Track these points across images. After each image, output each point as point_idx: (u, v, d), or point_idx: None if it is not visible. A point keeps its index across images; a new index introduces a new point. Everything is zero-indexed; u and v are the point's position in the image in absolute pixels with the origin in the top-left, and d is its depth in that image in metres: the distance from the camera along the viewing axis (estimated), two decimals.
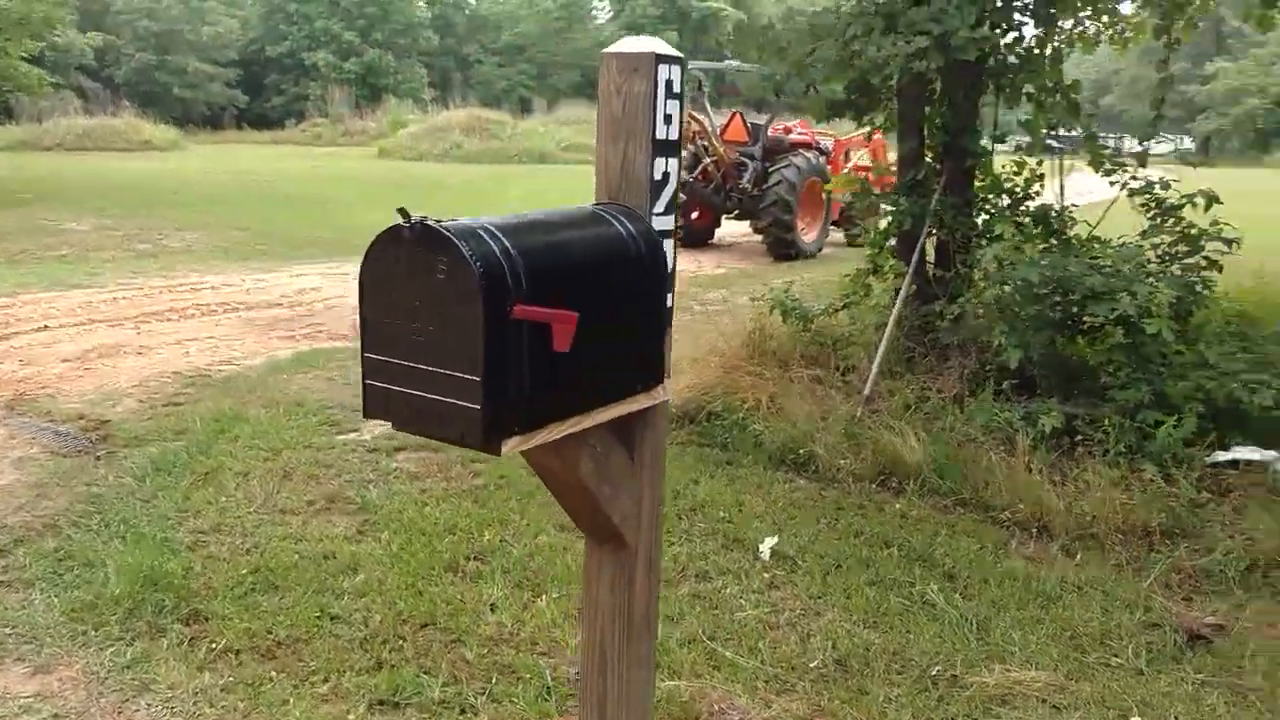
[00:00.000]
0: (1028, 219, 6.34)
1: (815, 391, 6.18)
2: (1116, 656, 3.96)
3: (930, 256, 6.66)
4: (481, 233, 2.04)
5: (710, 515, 5.11)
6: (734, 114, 14.90)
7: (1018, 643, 4.00)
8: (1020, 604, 4.32)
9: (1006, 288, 5.76)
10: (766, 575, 4.51)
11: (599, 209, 2.45)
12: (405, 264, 2.02)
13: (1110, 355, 5.56)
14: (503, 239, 2.07)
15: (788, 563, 4.63)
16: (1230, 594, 4.47)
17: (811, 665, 3.80)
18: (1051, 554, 4.82)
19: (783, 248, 13.72)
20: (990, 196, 6.43)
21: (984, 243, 6.27)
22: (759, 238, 15.27)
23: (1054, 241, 6.18)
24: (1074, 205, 6.49)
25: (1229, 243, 5.86)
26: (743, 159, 14.14)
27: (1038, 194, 6.47)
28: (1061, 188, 6.52)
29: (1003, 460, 5.31)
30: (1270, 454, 5.26)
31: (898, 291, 6.45)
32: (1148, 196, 6.15)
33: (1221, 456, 5.29)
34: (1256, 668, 3.90)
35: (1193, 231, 5.87)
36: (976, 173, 6.53)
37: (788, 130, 15.11)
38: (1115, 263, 5.65)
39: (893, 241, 6.75)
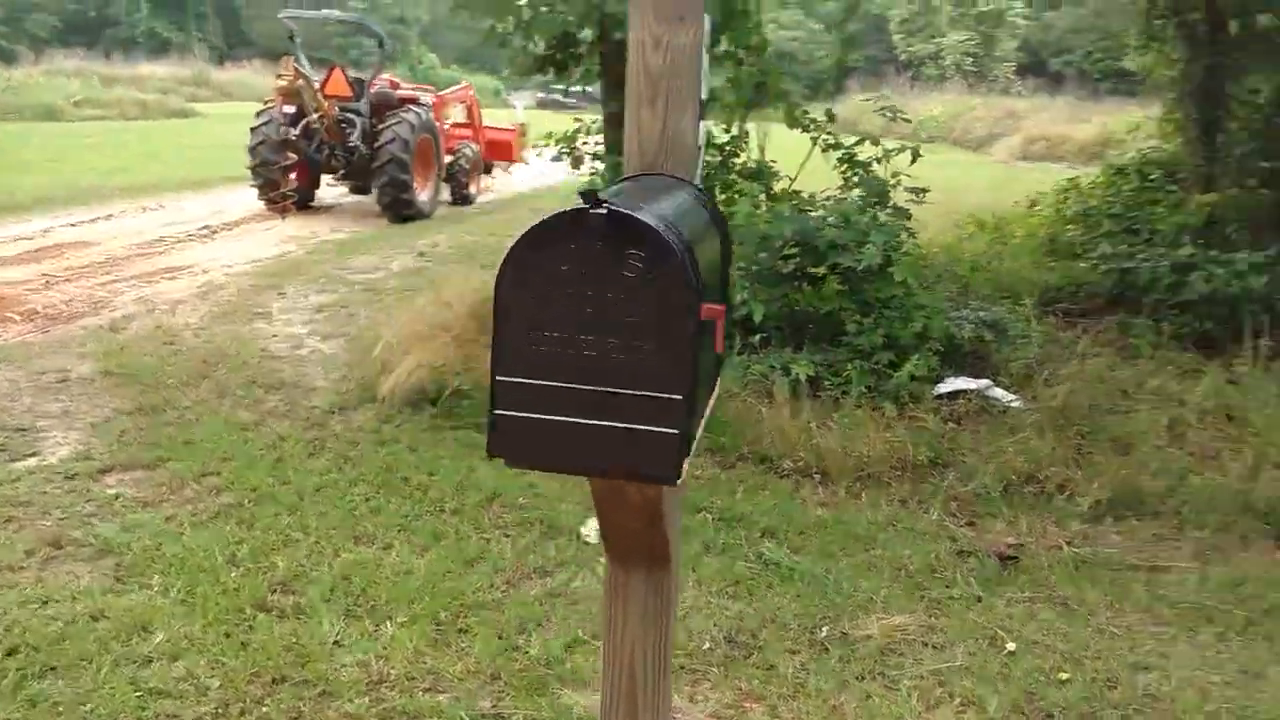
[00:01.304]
0: (735, 175, 6.51)
1: None
2: (951, 588, 4.22)
3: None
4: (660, 219, 1.65)
5: (510, 503, 4.76)
6: (333, 67, 13.89)
7: (868, 590, 4.13)
8: (846, 552, 4.47)
9: (742, 245, 5.88)
10: (602, 561, 4.26)
11: (682, 184, 2.10)
12: (579, 260, 1.58)
13: (842, 304, 5.88)
14: (676, 225, 1.70)
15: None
16: (1001, 513, 4.93)
17: (705, 649, 3.67)
18: (840, 498, 5.04)
19: (400, 208, 13.08)
20: (705, 154, 6.50)
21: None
22: (358, 198, 14.51)
23: (764, 196, 6.40)
24: (774, 161, 6.76)
25: (917, 192, 6.41)
26: (348, 116, 13.26)
27: (744, 149, 6.66)
28: (761, 147, 6.75)
29: (769, 411, 5.45)
30: (982, 382, 5.85)
31: None
32: (842, 152, 6.54)
33: (944, 389, 5.80)
34: (1061, 578, 4.34)
35: (888, 186, 6.34)
36: None
37: (394, 85, 14.39)
38: (836, 216, 5.96)
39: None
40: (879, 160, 6.40)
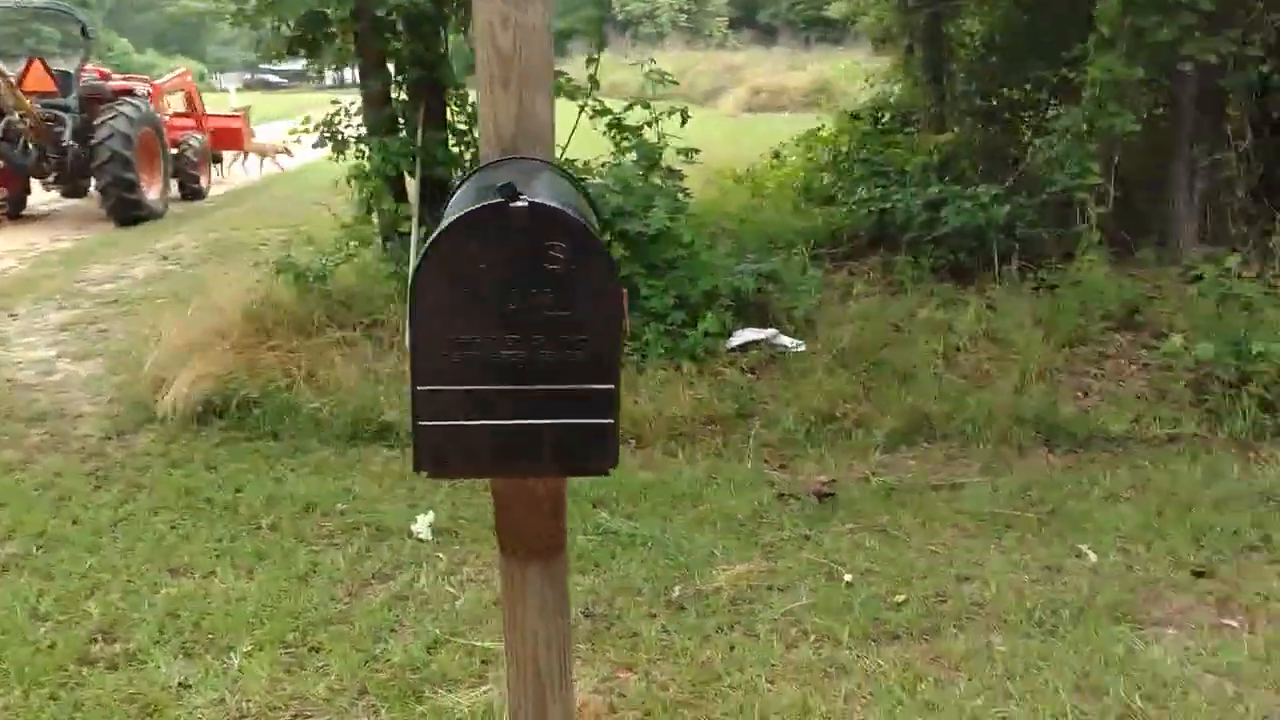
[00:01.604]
0: None
1: (352, 355, 5.74)
2: (781, 530, 4.41)
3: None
4: (569, 208, 1.63)
5: (328, 511, 4.57)
6: (31, 60, 12.63)
7: (706, 545, 4.25)
8: (677, 510, 4.58)
9: None
10: (444, 556, 4.19)
11: (545, 166, 2.06)
12: (499, 257, 1.54)
13: (631, 269, 5.96)
14: (588, 212, 1.68)
15: (452, 537, 4.35)
16: (808, 454, 5.18)
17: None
18: (659, 459, 5.15)
19: (127, 210, 12.11)
20: (475, 129, 6.39)
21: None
22: (74, 202, 13.39)
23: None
24: None
25: (687, 153, 6.56)
26: (55, 113, 12.11)
27: None
28: None
29: None
30: (769, 331, 6.09)
31: (398, 234, 6.20)
32: (610, 118, 6.59)
33: (735, 341, 6.01)
34: (875, 507, 4.62)
35: (659, 149, 6.45)
36: (451, 105, 6.45)
37: (103, 76, 13.26)
38: (615, 183, 6.02)
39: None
40: (649, 124, 6.50)
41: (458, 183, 2.12)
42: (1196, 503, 4.65)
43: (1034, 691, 3.29)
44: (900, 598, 3.87)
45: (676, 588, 3.92)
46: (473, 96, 6.56)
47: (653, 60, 6.89)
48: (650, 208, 5.71)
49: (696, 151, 6.53)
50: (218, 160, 16.21)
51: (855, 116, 10.49)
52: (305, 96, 41.45)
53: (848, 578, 4.01)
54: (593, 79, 6.67)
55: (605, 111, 6.57)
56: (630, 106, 6.59)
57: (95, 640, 3.56)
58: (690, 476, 4.90)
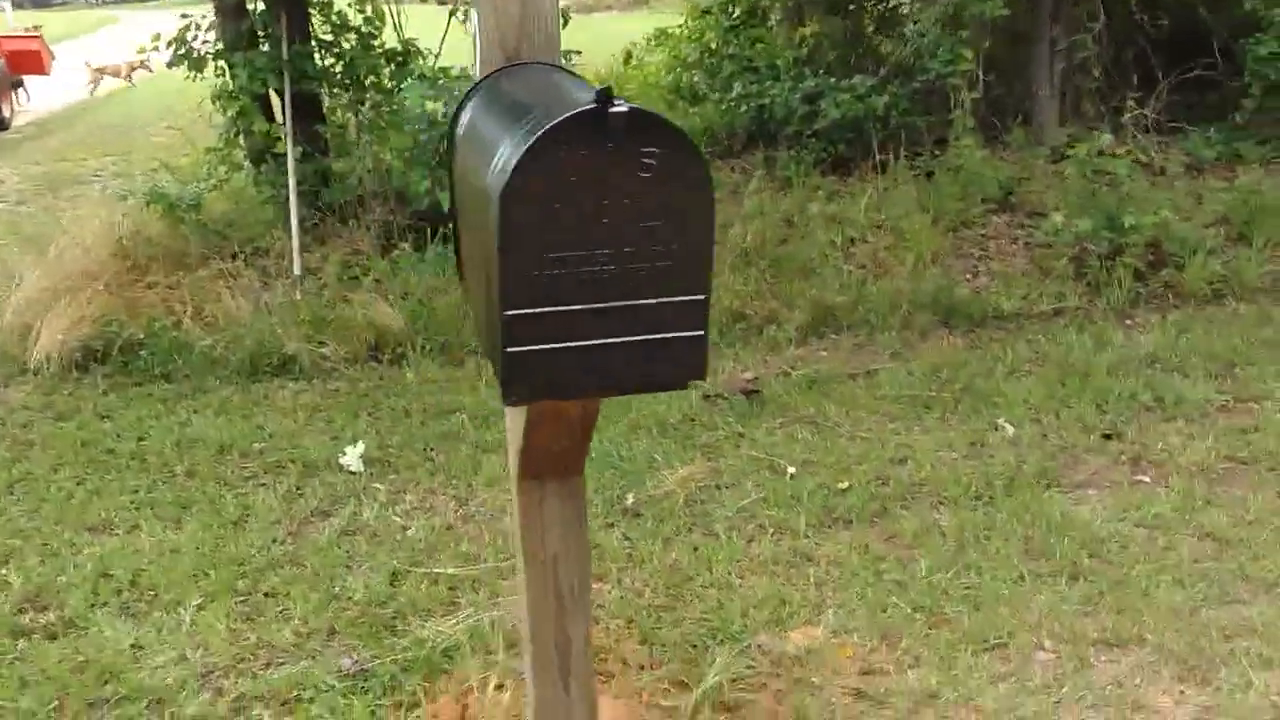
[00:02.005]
0: (381, 58, 6.12)
1: (238, 287, 5.43)
2: (716, 430, 4.45)
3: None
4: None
5: (247, 451, 4.36)
6: None
7: (647, 451, 4.25)
8: (609, 420, 4.52)
9: (413, 129, 5.59)
10: (382, 486, 4.06)
11: (562, 71, 1.95)
12: (591, 168, 1.45)
13: None
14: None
15: (385, 467, 4.21)
16: (724, 354, 5.22)
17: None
18: None
19: None
20: (343, 40, 6.04)
21: (350, 87, 5.93)
22: None
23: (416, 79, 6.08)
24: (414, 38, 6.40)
25: (567, 55, 6.36)
26: None
27: (379, 29, 6.23)
28: (398, 26, 6.34)
29: None
30: None
31: (271, 156, 5.85)
32: None
33: None
34: (800, 400, 4.70)
35: None
36: (315, 13, 6.06)
37: None
38: None
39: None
40: None
41: (466, 94, 1.98)
42: (1092, 371, 4.91)
43: (989, 560, 3.44)
44: (844, 485, 3.97)
45: (629, 496, 3.91)
46: (339, 4, 6.20)
47: None
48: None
49: (578, 53, 6.34)
50: (18, 85, 14.91)
51: (706, 12, 10.40)
52: (86, 14, 38.51)
53: (791, 470, 4.09)
54: None
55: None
56: None
57: (23, 610, 3.32)
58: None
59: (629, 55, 11.01)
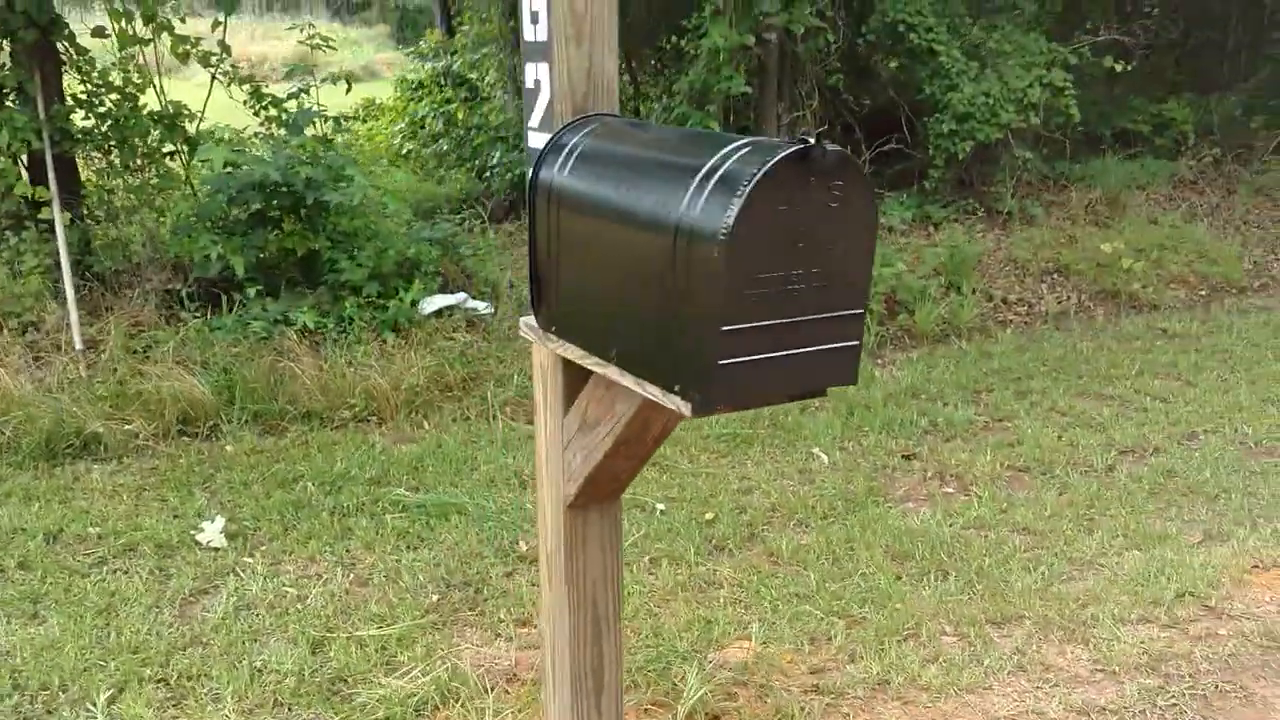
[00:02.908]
0: (149, 120, 5.79)
1: (9, 365, 4.93)
2: None
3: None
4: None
5: (82, 535, 4.00)
6: None
7: (515, 500, 4.34)
8: (462, 475, 4.60)
9: (207, 192, 5.35)
10: (255, 558, 3.88)
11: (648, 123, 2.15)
12: (798, 200, 1.70)
13: (319, 243, 5.70)
14: None
15: (247, 539, 4.02)
16: None
17: (434, 600, 3.63)
18: (410, 432, 5.08)
19: None
20: (96, 98, 5.64)
21: (117, 149, 5.58)
22: None
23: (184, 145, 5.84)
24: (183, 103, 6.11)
25: (339, 120, 6.35)
26: None
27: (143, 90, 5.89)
28: (159, 87, 6.01)
29: (295, 366, 5.19)
30: (459, 296, 6.16)
31: (34, 222, 5.38)
32: (250, 86, 6.18)
33: (428, 308, 6.00)
34: None
35: (315, 118, 6.17)
36: (68, 71, 5.64)
37: None
38: (287, 154, 5.70)
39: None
40: (299, 94, 6.17)
41: (551, 147, 2.13)
42: (872, 404, 5.55)
43: (864, 567, 3.86)
44: (709, 515, 4.27)
45: (520, 543, 4.00)
46: (102, 60, 5.82)
47: (311, 25, 6.51)
48: (341, 178, 5.49)
49: (351, 118, 6.33)
50: None
51: (420, 85, 10.61)
52: None
53: (660, 507, 4.34)
54: (223, 44, 6.17)
55: (249, 79, 6.13)
56: (288, 73, 6.20)
57: None
58: (453, 443, 4.90)
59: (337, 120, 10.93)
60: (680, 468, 4.76)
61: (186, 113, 5.91)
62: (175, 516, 4.16)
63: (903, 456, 4.94)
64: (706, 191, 1.70)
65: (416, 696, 3.01)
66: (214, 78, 6.15)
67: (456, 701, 2.97)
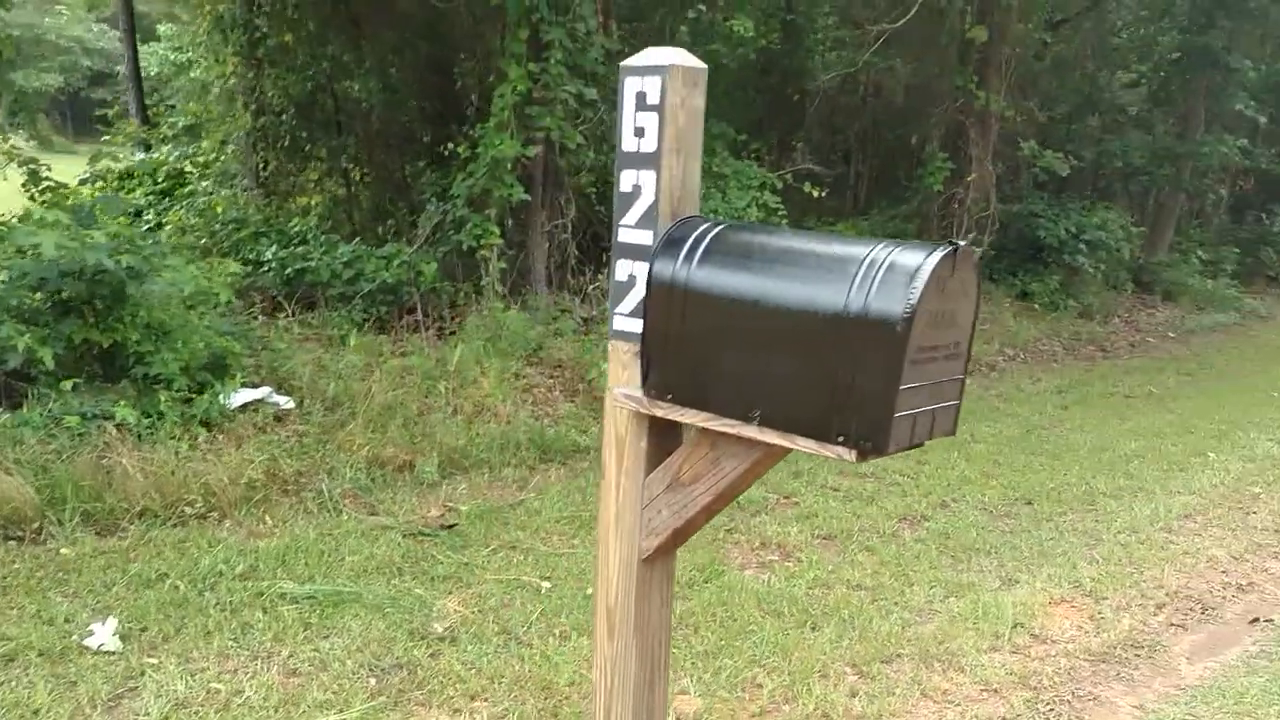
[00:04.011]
0: None
1: None
2: (444, 561, 4.72)
3: None
4: None
5: None
6: None
7: (401, 588, 4.41)
8: (332, 567, 4.58)
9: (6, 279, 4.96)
10: (158, 659, 3.70)
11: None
12: (946, 287, 2.21)
13: (126, 334, 5.43)
14: None
15: (137, 641, 3.81)
16: (383, 497, 5.43)
17: (365, 681, 3.66)
18: (256, 527, 4.94)
19: None
20: None
21: None
22: None
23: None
24: None
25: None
26: None
27: None
28: None
29: (119, 462, 4.90)
30: (264, 389, 6.04)
31: None
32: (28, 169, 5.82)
33: (237, 401, 5.85)
34: (494, 527, 5.16)
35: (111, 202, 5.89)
36: None
37: None
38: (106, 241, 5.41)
39: None
40: (91, 180, 5.86)
41: (661, 242, 2.48)
42: None
43: (752, 624, 4.30)
44: (590, 590, 4.55)
45: (435, 624, 4.08)
46: None
47: None
48: (165, 268, 5.29)
49: (142, 209, 6.08)
50: None
51: (129, 175, 10.14)
52: None
53: (545, 584, 4.57)
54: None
55: (28, 160, 5.75)
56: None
57: None
58: (311, 535, 4.84)
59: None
60: (539, 549, 4.99)
61: None
62: (46, 623, 3.85)
63: (726, 530, 5.47)
64: (876, 281, 2.15)
65: None
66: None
67: None
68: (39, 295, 5.20)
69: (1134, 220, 15.51)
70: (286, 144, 8.74)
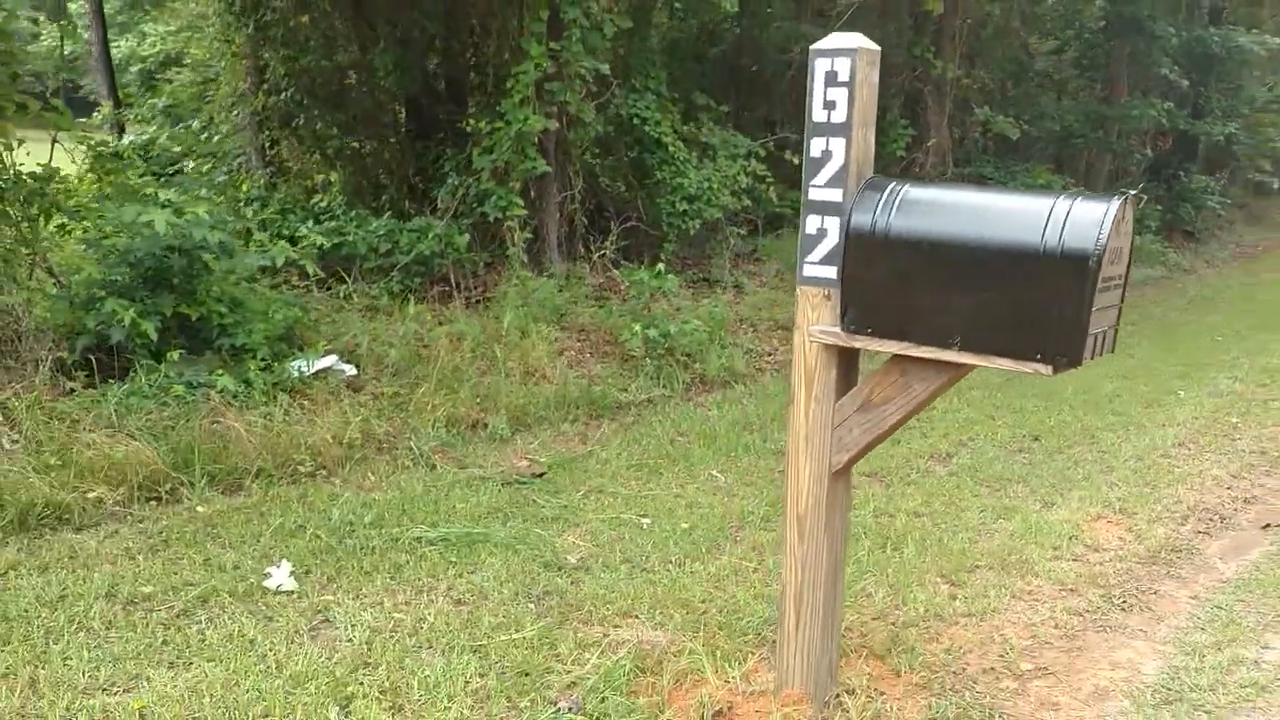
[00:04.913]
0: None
1: None
2: (548, 505, 5.13)
3: None
4: None
5: (149, 595, 3.93)
6: None
7: (540, 531, 4.82)
8: (450, 510, 4.95)
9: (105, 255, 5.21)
10: (334, 597, 4.06)
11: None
12: (1119, 229, 2.71)
13: (211, 308, 5.71)
14: None
15: (307, 581, 4.17)
16: (469, 451, 5.81)
17: (527, 609, 4.08)
18: (361, 481, 5.29)
19: None
20: None
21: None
22: None
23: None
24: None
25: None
26: None
27: None
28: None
29: (234, 426, 5.21)
30: (331, 358, 6.35)
31: None
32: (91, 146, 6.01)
33: (310, 369, 6.16)
34: (570, 479, 5.58)
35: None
36: None
37: None
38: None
39: None
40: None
41: (855, 198, 2.94)
42: (718, 434, 6.54)
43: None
44: (686, 525, 5.00)
45: (570, 557, 4.50)
46: None
47: None
48: (259, 240, 5.58)
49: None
50: None
51: (118, 155, 10.21)
52: None
53: (646, 521, 5.01)
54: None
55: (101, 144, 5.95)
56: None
57: None
58: (415, 489, 5.21)
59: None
60: (622, 492, 5.43)
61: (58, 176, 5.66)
62: (219, 570, 4.18)
63: (779, 472, 5.96)
64: (1065, 222, 2.63)
65: (621, 668, 3.51)
66: (54, 140, 5.91)
67: (672, 660, 3.52)
68: (131, 271, 5.43)
69: (1072, 181, 16.38)
70: (301, 122, 8.93)
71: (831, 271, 3.05)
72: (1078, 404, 7.77)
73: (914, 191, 2.95)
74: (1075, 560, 4.71)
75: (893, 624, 4.01)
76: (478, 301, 7.85)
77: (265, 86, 8.91)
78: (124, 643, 3.58)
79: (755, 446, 6.34)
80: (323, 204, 8.25)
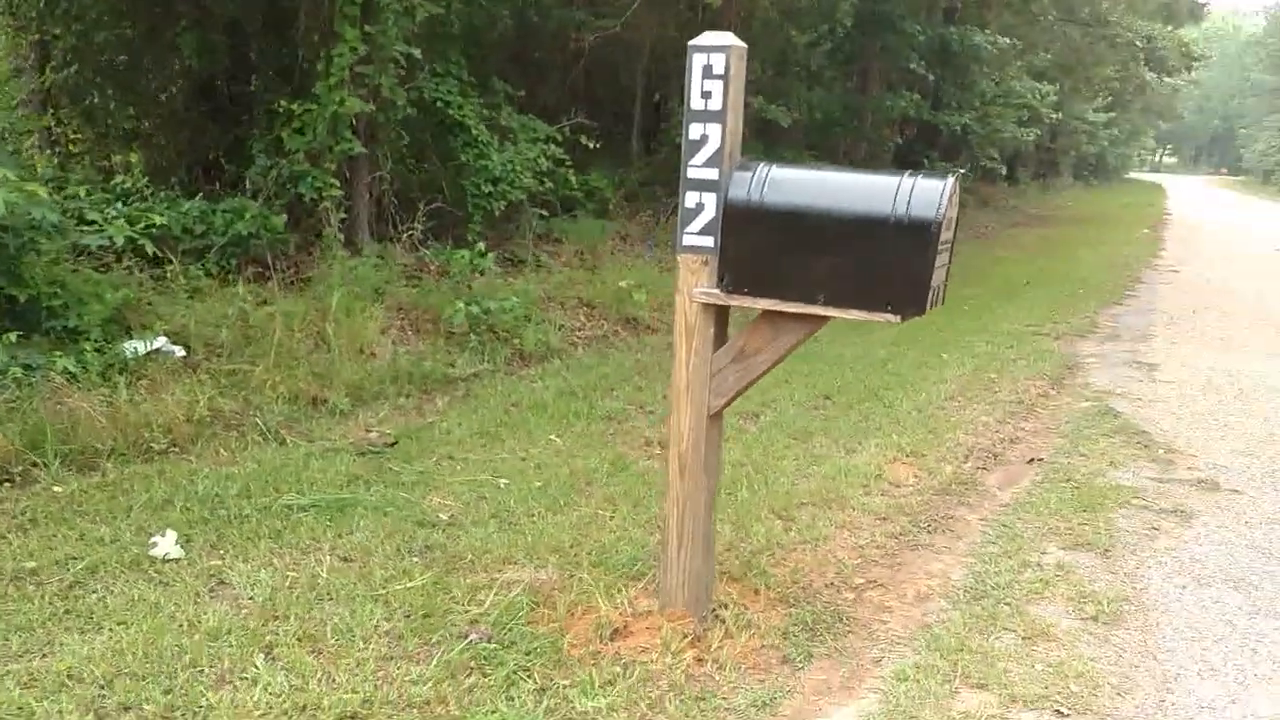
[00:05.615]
0: None
1: None
2: (403, 473, 5.38)
3: None
4: None
5: (34, 570, 3.95)
6: None
7: (387, 495, 5.06)
8: (308, 483, 5.13)
9: None
10: (223, 561, 4.21)
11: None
12: (952, 200, 3.32)
13: (41, 289, 5.58)
14: None
15: (189, 549, 4.29)
16: (312, 426, 5.95)
17: (413, 562, 4.36)
18: (215, 456, 5.36)
19: None
20: None
21: None
22: None
23: None
24: None
25: None
26: None
27: None
28: None
29: (81, 406, 5.16)
30: (160, 339, 6.30)
31: None
32: None
33: (142, 350, 6.10)
34: (418, 448, 5.84)
35: None
36: None
37: None
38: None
39: None
40: None
41: (729, 177, 3.42)
42: (547, 403, 6.94)
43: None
44: (539, 483, 5.38)
45: (439, 515, 4.79)
46: None
47: None
48: (99, 221, 5.47)
49: None
50: None
51: None
52: None
53: (503, 482, 5.35)
54: None
55: None
56: None
57: None
58: (273, 461, 5.33)
59: None
60: (471, 459, 5.73)
61: None
62: (99, 543, 4.23)
63: (610, 434, 6.42)
64: (910, 196, 3.20)
65: (519, 602, 3.87)
66: None
67: (562, 593, 3.90)
68: None
69: None
70: (95, 100, 8.56)
71: (709, 240, 3.51)
72: (859, 367, 8.62)
73: (780, 171, 3.46)
74: (883, 495, 5.41)
75: (742, 553, 4.54)
76: (292, 282, 7.88)
77: (52, 64, 8.51)
78: (24, 614, 3.63)
79: (584, 413, 6.76)
80: (126, 185, 8.00)
